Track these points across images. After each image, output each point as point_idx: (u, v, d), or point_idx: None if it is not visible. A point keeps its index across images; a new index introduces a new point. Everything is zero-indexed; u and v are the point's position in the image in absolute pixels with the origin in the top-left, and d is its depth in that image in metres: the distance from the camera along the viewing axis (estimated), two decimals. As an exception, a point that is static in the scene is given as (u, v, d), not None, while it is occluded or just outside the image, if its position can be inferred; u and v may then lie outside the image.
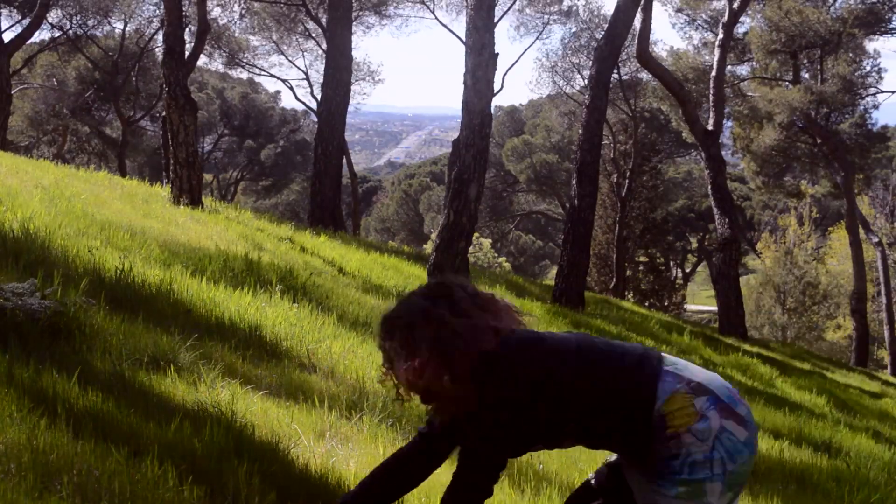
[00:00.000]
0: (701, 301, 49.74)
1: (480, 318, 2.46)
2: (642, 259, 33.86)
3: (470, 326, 2.43)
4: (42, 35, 28.23)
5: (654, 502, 2.39)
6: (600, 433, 2.46)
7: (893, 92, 25.55)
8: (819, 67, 24.09)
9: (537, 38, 28.48)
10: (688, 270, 49.15)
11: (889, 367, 24.01)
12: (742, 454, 2.35)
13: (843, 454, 7.07)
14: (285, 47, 29.19)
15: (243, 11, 27.39)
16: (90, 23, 27.81)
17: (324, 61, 16.77)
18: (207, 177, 36.76)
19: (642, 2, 15.77)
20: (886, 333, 24.79)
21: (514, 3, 26.38)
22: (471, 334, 2.42)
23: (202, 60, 26.90)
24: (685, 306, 38.05)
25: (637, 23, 16.95)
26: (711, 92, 18.88)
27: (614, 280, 29.13)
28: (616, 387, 2.40)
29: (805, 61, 24.68)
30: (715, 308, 21.19)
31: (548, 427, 2.45)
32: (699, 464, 2.32)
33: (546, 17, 27.95)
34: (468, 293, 2.51)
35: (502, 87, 29.80)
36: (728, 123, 25.25)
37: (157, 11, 26.31)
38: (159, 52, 23.11)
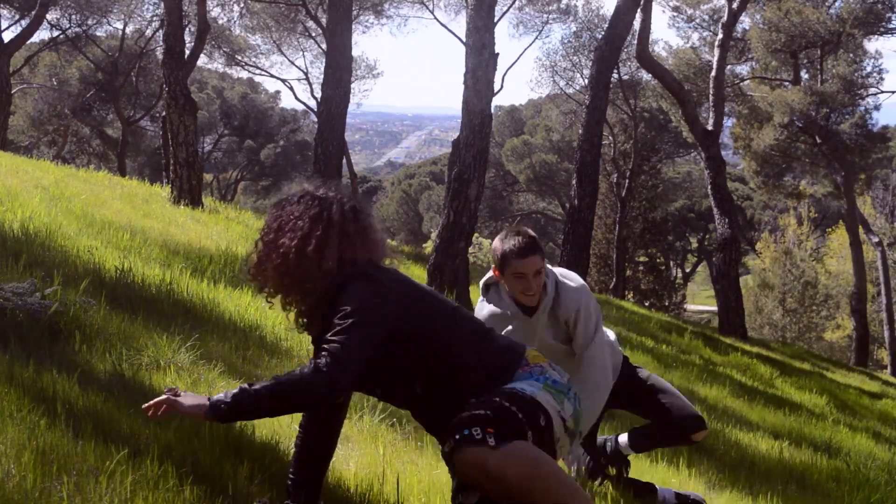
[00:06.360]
0: (701, 301, 49.71)
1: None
2: (642, 259, 33.84)
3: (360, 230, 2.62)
4: (42, 35, 28.24)
5: None
6: (444, 392, 2.52)
7: (894, 92, 25.54)
8: (819, 67, 24.07)
9: (537, 37, 28.46)
10: (688, 270, 49.13)
11: (889, 367, 23.99)
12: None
13: (843, 454, 7.06)
14: (285, 47, 29.18)
15: (243, 11, 27.37)
16: (90, 22, 27.77)
17: (324, 61, 16.75)
18: (207, 177, 36.72)
19: (642, 2, 15.77)
20: (886, 333, 24.77)
21: (513, 1, 26.35)
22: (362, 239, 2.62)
23: (202, 60, 26.90)
24: (685, 306, 38.02)
25: (637, 23, 16.94)
26: (711, 92, 18.86)
27: (614, 280, 29.11)
28: (476, 356, 2.52)
29: (805, 61, 24.65)
30: (715, 308, 21.17)
31: (399, 359, 2.53)
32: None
33: (546, 15, 27.92)
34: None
35: (502, 86, 29.71)
36: (728, 123, 25.22)
37: (157, 11, 26.30)
38: (159, 52, 23.06)
